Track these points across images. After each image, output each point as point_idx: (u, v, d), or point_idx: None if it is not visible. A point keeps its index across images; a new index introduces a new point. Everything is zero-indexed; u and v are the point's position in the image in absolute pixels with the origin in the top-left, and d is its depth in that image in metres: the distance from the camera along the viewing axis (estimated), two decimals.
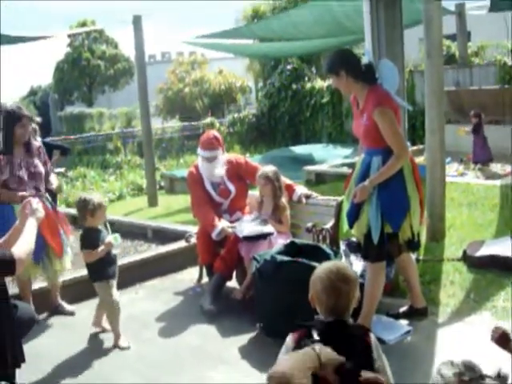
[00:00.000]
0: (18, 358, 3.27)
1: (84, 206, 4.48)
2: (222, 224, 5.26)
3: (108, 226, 4.67)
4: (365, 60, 4.35)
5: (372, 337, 2.56)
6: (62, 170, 13.73)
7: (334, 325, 2.47)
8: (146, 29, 10.38)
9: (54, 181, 5.30)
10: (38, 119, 8.54)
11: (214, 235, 5.26)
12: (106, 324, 4.72)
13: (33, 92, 39.34)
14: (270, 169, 5.31)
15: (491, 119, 11.24)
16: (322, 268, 2.61)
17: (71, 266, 5.30)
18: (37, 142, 5.18)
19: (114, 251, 4.59)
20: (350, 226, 4.25)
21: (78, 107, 33.28)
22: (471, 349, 3.91)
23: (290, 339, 2.56)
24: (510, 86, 12.58)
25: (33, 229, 3.34)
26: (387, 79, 4.21)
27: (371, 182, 4.08)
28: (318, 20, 9.31)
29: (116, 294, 4.55)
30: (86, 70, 34.63)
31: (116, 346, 4.49)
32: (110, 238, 4.53)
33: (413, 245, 4.34)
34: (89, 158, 18.86)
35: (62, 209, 9.66)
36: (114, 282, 4.57)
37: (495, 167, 10.11)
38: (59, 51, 39.48)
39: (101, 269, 4.50)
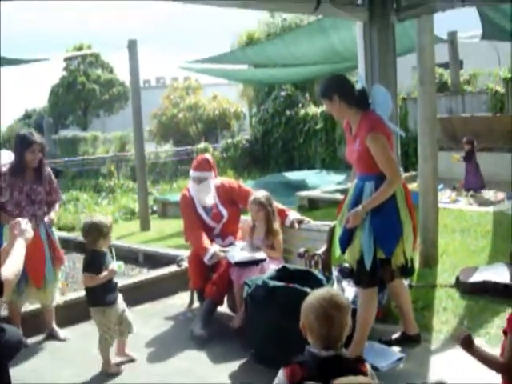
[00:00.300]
0: (5, 382, 3.21)
1: (97, 229, 4.40)
2: (214, 248, 5.23)
3: (113, 250, 4.60)
4: (358, 86, 4.37)
5: (368, 366, 2.51)
6: None
7: (330, 360, 2.39)
8: (141, 54, 10.44)
9: (53, 212, 5.24)
10: None
11: (206, 259, 5.22)
12: (129, 351, 4.67)
13: (27, 115, 39.36)
14: (262, 194, 5.29)
15: (483, 146, 11.30)
16: (314, 295, 2.53)
17: (59, 295, 5.29)
18: (48, 168, 5.18)
19: (116, 279, 4.54)
20: (343, 252, 4.22)
21: (73, 131, 33.32)
22: (464, 376, 3.87)
23: (282, 375, 2.43)
24: (501, 114, 12.69)
25: (21, 249, 3.30)
26: (380, 104, 4.21)
27: (364, 208, 4.06)
28: (313, 46, 9.37)
29: (113, 321, 4.47)
30: (81, 94, 34.76)
31: (105, 371, 4.41)
32: (115, 265, 4.44)
33: (406, 271, 4.32)
34: (82, 181, 18.85)
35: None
36: (112, 310, 4.46)
37: (487, 194, 10.13)
38: (54, 75, 39.65)
39: (100, 295, 4.41)
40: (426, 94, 6.07)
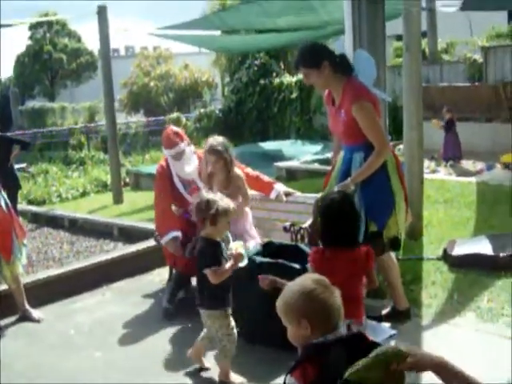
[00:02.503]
0: None
1: (202, 209, 3.55)
2: (176, 233, 4.91)
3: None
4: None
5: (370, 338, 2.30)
6: (23, 165, 13.25)
7: (352, 340, 2.11)
8: (110, 23, 10.05)
9: None
10: None
11: (162, 240, 4.96)
12: (205, 360, 3.91)
13: None
14: (217, 141, 4.79)
15: (461, 116, 11.19)
16: (299, 286, 2.17)
17: (23, 270, 5.04)
18: None
19: (242, 264, 3.65)
20: None
21: (40, 101, 32.50)
22: (458, 352, 3.74)
23: (292, 381, 2.05)
24: (479, 84, 12.58)
25: None
26: (364, 71, 4.08)
27: (352, 181, 3.93)
28: (291, 9, 9.03)
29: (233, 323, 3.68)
30: (48, 64, 33.88)
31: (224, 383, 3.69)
32: (234, 245, 3.62)
33: (396, 243, 4.18)
34: (51, 153, 18.40)
35: (22, 206, 9.30)
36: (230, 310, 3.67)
37: (466, 164, 10.07)
38: (20, 44, 38.59)
39: (223, 293, 3.56)
40: (413, 61, 5.85)
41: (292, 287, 2.22)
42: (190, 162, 5.12)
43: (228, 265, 3.51)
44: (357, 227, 3.36)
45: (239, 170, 4.87)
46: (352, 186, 3.91)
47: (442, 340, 4.03)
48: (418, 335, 4.15)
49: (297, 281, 2.26)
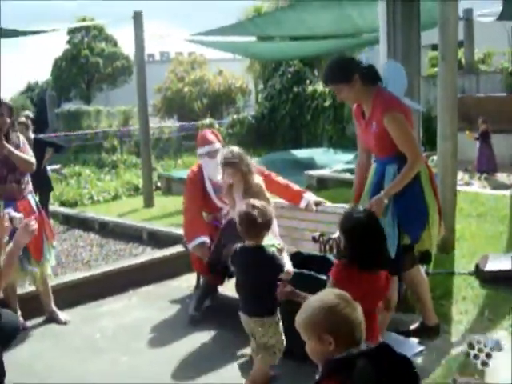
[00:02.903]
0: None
1: (247, 218, 3.39)
2: (204, 238, 4.88)
3: None
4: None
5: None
6: (57, 166, 13.43)
7: (381, 351, 2.06)
8: (146, 28, 10.14)
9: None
10: (31, 114, 8.27)
11: (190, 245, 4.94)
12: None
13: (30, 88, 38.98)
14: (233, 153, 4.65)
15: (497, 128, 10.99)
16: (320, 301, 2.16)
17: (52, 272, 5.04)
18: (19, 136, 4.82)
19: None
20: None
21: (76, 104, 32.94)
22: (489, 371, 3.65)
23: None
24: None
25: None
26: (394, 81, 4.00)
27: (386, 194, 3.84)
28: (327, 15, 8.94)
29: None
30: (85, 68, 34.34)
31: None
32: (274, 243, 3.66)
33: (427, 257, 4.10)
34: (84, 156, 18.60)
35: (54, 207, 9.41)
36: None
37: (501, 177, 9.87)
38: (58, 48, 39.21)
39: (276, 297, 3.40)
40: (448, 71, 5.75)
41: (313, 302, 2.20)
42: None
43: (288, 265, 3.52)
44: (380, 251, 3.22)
45: (258, 177, 4.78)
46: (385, 199, 3.83)
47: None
48: (447, 352, 4.04)
49: (318, 296, 2.25)
